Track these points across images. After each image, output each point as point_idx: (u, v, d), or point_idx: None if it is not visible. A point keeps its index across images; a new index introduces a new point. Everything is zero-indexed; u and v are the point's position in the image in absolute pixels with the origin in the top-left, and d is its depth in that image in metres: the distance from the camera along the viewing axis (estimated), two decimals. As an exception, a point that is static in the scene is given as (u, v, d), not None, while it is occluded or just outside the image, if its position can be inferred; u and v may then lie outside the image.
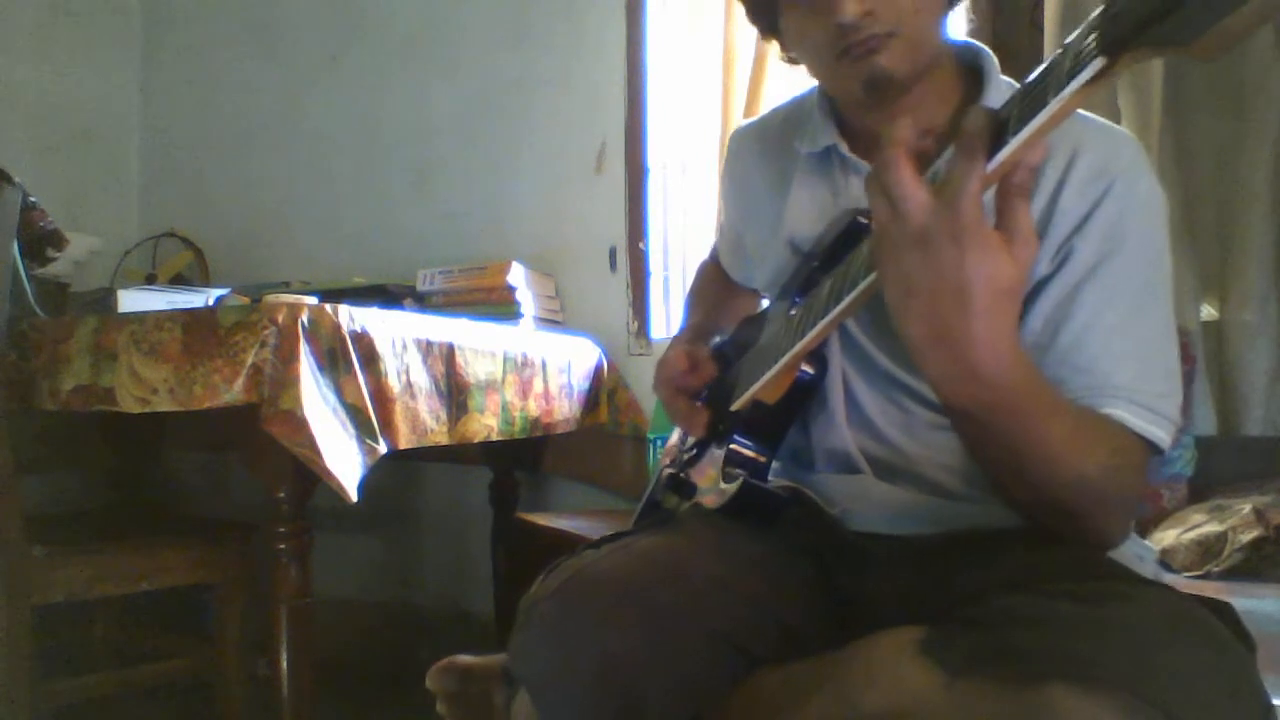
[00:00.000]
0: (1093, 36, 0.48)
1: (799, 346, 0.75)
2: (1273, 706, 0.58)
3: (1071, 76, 0.49)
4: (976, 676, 0.57)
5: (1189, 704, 0.52)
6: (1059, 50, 0.51)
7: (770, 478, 0.90)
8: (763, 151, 1.01)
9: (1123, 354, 0.75)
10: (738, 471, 0.88)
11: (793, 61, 0.93)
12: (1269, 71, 1.61)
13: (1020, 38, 1.75)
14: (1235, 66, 1.63)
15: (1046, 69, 0.52)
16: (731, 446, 0.89)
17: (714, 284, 1.22)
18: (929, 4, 0.82)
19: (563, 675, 0.68)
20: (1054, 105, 0.50)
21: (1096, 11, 0.49)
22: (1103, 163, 0.78)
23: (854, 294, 0.65)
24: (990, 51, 0.89)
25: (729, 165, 1.08)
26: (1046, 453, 0.66)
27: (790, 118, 1.00)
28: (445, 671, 1.01)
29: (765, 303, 1.13)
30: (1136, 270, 0.77)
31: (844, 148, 0.90)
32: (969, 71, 0.89)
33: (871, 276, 0.63)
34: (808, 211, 0.93)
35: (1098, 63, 0.48)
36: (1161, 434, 0.74)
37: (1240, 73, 1.64)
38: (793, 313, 0.82)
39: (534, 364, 1.84)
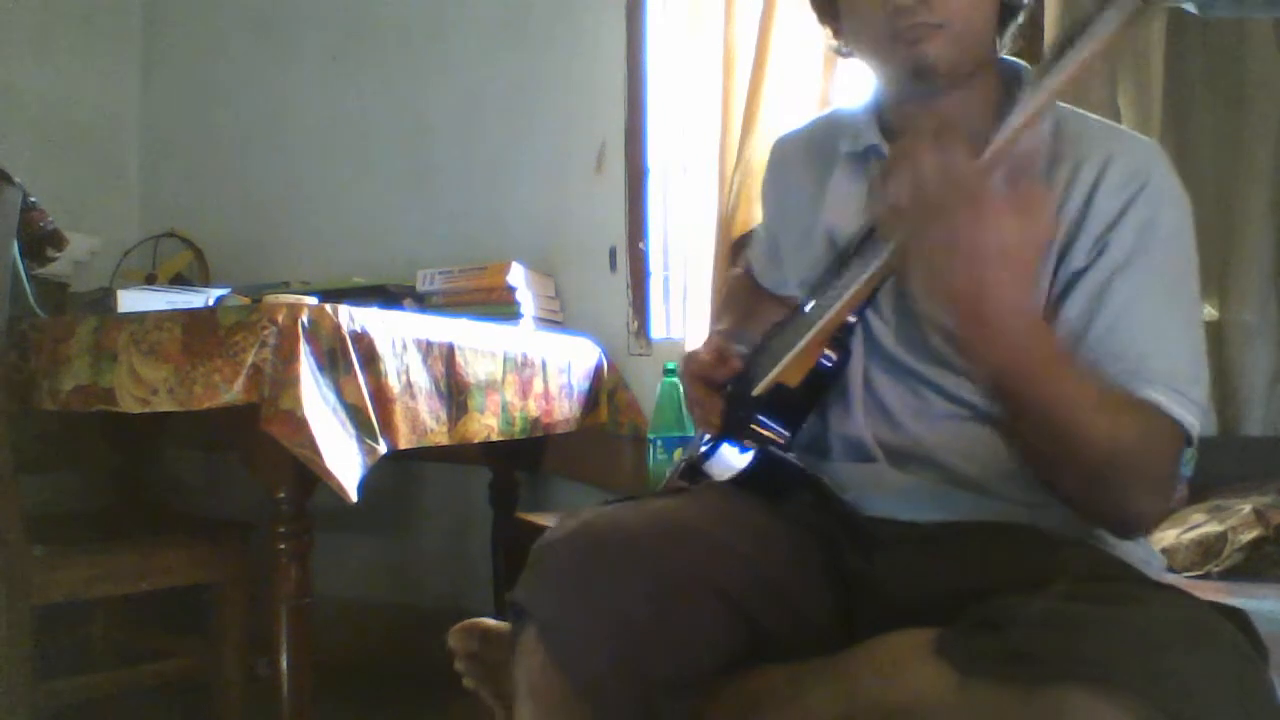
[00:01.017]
0: None
1: (829, 316, 0.78)
2: None
3: (1099, 20, 0.52)
4: (989, 678, 0.57)
5: (1201, 710, 0.53)
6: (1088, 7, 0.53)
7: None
8: (806, 155, 1.05)
9: (1155, 341, 0.78)
10: (756, 444, 0.89)
11: (843, 55, 0.98)
12: (1269, 71, 1.61)
13: (1020, 38, 1.75)
14: (1235, 65, 1.63)
15: (1075, 23, 0.54)
16: (752, 426, 0.90)
17: (743, 293, 1.23)
18: (982, 4, 0.85)
19: (571, 618, 0.70)
20: (1083, 49, 0.52)
21: None
22: (1134, 168, 0.83)
23: (879, 262, 0.69)
24: (1029, 67, 0.91)
25: (771, 172, 1.12)
26: (1080, 417, 0.69)
27: (834, 122, 1.03)
28: (467, 632, 1.03)
29: None
30: (1167, 263, 0.81)
31: (885, 147, 0.93)
32: (1008, 85, 0.91)
33: (895, 243, 0.67)
34: (846, 207, 0.95)
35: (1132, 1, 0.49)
36: (1192, 420, 0.77)
37: (1240, 72, 1.64)
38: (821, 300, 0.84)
39: (534, 364, 1.84)
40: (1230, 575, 1.28)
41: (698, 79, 2.19)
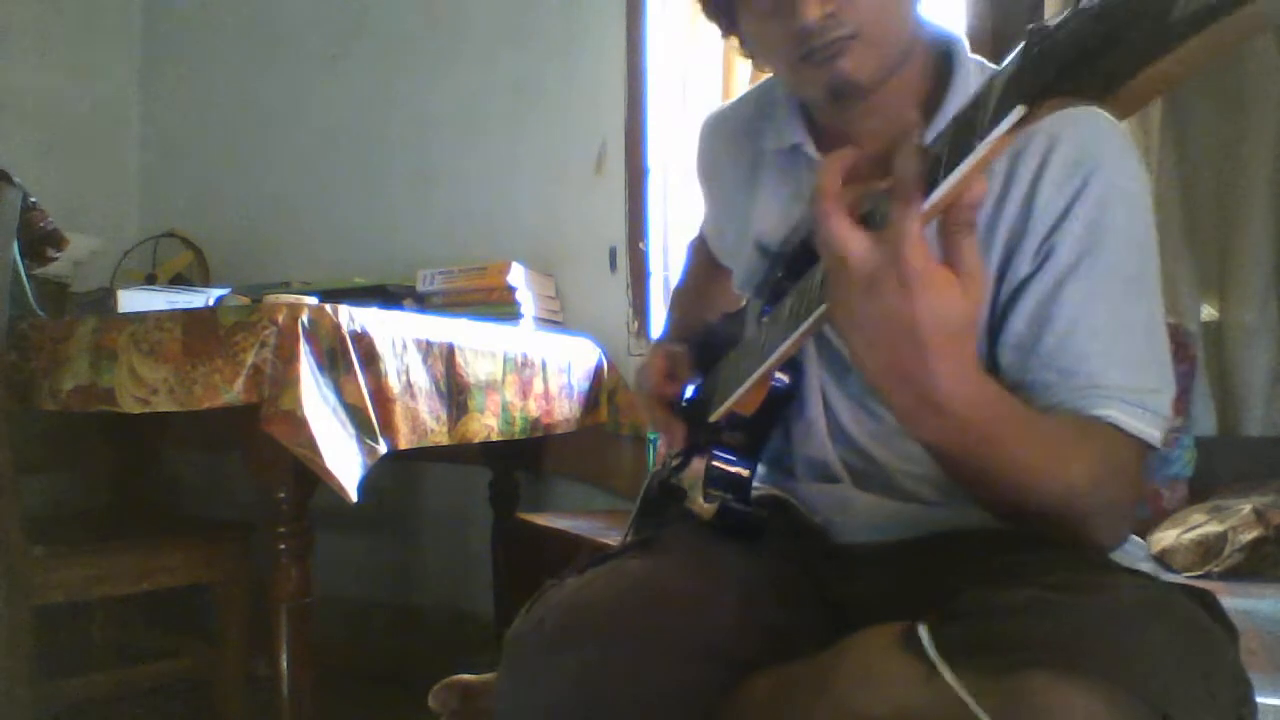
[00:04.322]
0: (1014, 80, 0.47)
1: (766, 366, 0.74)
2: (1251, 689, 0.59)
3: (994, 123, 0.48)
4: (956, 668, 0.57)
5: (1166, 688, 0.53)
6: (986, 83, 0.50)
7: (755, 483, 0.90)
8: (732, 143, 0.99)
9: (1110, 353, 0.73)
10: (717, 493, 0.87)
11: (753, 59, 0.91)
12: (1269, 72, 1.61)
13: (1020, 37, 1.75)
14: (1235, 67, 1.64)
15: (974, 103, 0.50)
16: (712, 463, 0.88)
17: (699, 267, 1.19)
18: (894, 1, 0.78)
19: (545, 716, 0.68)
20: (981, 150, 0.49)
21: (1018, 49, 0.47)
22: (1080, 152, 0.75)
23: (810, 320, 0.65)
24: (960, 39, 0.85)
25: (700, 155, 1.05)
26: (1025, 472, 0.66)
27: (760, 105, 0.97)
28: (447, 690, 1.02)
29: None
30: (1120, 264, 0.75)
31: (810, 147, 0.88)
32: (940, 60, 0.85)
33: (825, 305, 0.62)
34: (773, 211, 0.92)
35: (1018, 111, 0.47)
36: (1155, 433, 0.73)
37: (1240, 73, 1.64)
38: (763, 320, 0.81)
39: (534, 364, 1.84)
40: (1230, 575, 1.28)
41: (698, 79, 2.19)
